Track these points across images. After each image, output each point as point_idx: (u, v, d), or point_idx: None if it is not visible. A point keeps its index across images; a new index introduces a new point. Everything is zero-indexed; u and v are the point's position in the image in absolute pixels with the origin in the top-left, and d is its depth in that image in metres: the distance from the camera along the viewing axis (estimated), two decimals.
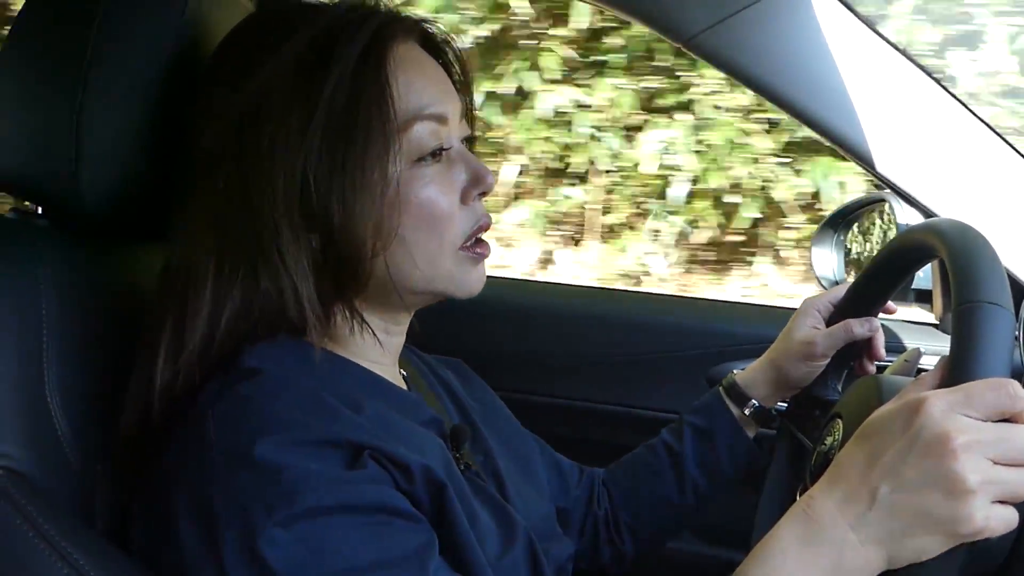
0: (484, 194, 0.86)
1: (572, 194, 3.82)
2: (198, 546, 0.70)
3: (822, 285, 1.41)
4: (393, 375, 0.90)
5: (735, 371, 1.12)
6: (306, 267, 0.77)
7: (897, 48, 1.15)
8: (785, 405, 1.12)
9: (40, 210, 0.88)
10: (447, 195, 0.82)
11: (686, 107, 3.61)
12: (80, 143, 0.81)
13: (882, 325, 1.07)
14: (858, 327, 1.03)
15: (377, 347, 0.87)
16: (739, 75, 1.13)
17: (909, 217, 1.21)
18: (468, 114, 0.89)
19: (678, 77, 3.60)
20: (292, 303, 0.78)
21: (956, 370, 0.70)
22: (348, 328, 0.84)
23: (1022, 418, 0.65)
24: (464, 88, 0.89)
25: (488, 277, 0.89)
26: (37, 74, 0.83)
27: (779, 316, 1.61)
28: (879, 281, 1.02)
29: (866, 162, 1.15)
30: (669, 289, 3.68)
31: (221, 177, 0.78)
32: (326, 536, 0.69)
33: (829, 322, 1.07)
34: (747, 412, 1.09)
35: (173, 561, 0.71)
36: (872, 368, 1.07)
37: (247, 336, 0.79)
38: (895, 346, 1.20)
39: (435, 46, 0.87)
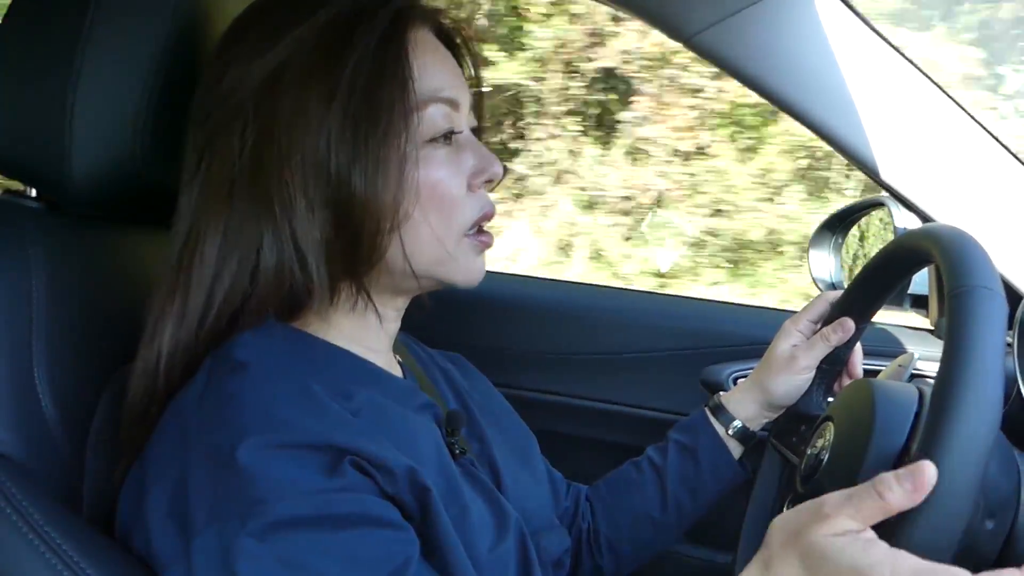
0: (490, 182, 0.86)
1: None
2: (170, 546, 0.69)
3: (819, 287, 1.41)
4: (388, 362, 0.90)
5: (721, 394, 1.12)
6: (319, 238, 0.78)
7: (898, 50, 1.14)
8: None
9: (33, 192, 0.88)
10: (456, 178, 0.83)
11: None
12: (73, 125, 0.81)
13: (880, 328, 1.06)
14: (832, 333, 1.03)
15: (373, 331, 0.87)
16: (739, 74, 1.13)
17: (907, 221, 1.21)
18: (477, 106, 0.90)
19: None
20: (298, 274, 0.78)
21: (951, 353, 0.70)
22: (351, 305, 0.84)
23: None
24: (474, 80, 0.90)
25: (487, 272, 0.89)
26: (31, 55, 0.83)
27: (774, 318, 1.61)
28: (873, 286, 1.02)
29: (865, 164, 1.15)
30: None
31: (236, 148, 0.78)
32: (300, 548, 0.68)
33: (832, 315, 1.06)
34: (730, 432, 1.08)
35: (145, 553, 0.71)
36: None
37: (242, 309, 0.79)
38: (890, 351, 1.20)
39: (448, 36, 0.89)
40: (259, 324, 0.81)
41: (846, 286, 1.17)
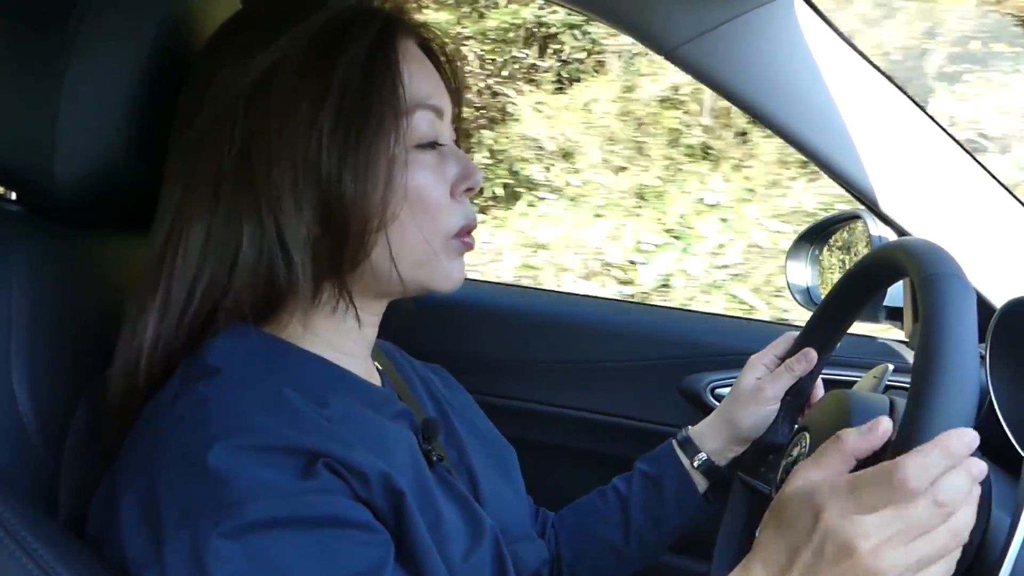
0: (470, 191, 0.88)
1: None
2: (143, 551, 0.69)
3: (795, 298, 1.42)
4: (366, 369, 0.91)
5: (689, 427, 1.12)
6: (305, 236, 0.79)
7: (876, 67, 1.16)
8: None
9: (15, 196, 0.88)
10: (440, 185, 0.85)
11: None
12: (57, 129, 0.81)
13: (856, 339, 1.07)
14: (796, 364, 1.06)
15: (351, 336, 0.87)
16: (720, 87, 1.14)
17: (883, 234, 1.23)
18: (457, 118, 0.92)
19: None
20: (283, 271, 0.79)
21: (926, 337, 0.72)
22: (332, 307, 0.84)
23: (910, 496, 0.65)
24: (455, 94, 0.91)
25: (469, 280, 0.89)
26: (16, 58, 0.83)
27: (754, 329, 1.63)
28: (833, 316, 1.04)
29: (842, 178, 1.16)
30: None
31: (224, 150, 0.79)
32: (274, 550, 0.68)
33: (795, 348, 1.08)
34: (696, 464, 1.09)
35: (118, 560, 0.71)
36: None
37: (220, 305, 0.80)
38: (865, 362, 1.21)
39: (431, 50, 0.90)
40: (235, 324, 0.81)
41: (822, 296, 1.19)
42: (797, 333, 1.09)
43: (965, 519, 0.66)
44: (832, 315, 1.04)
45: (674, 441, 1.12)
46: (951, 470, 0.65)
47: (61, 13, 0.81)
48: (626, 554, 1.10)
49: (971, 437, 0.66)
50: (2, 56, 0.83)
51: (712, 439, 1.09)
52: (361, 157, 0.78)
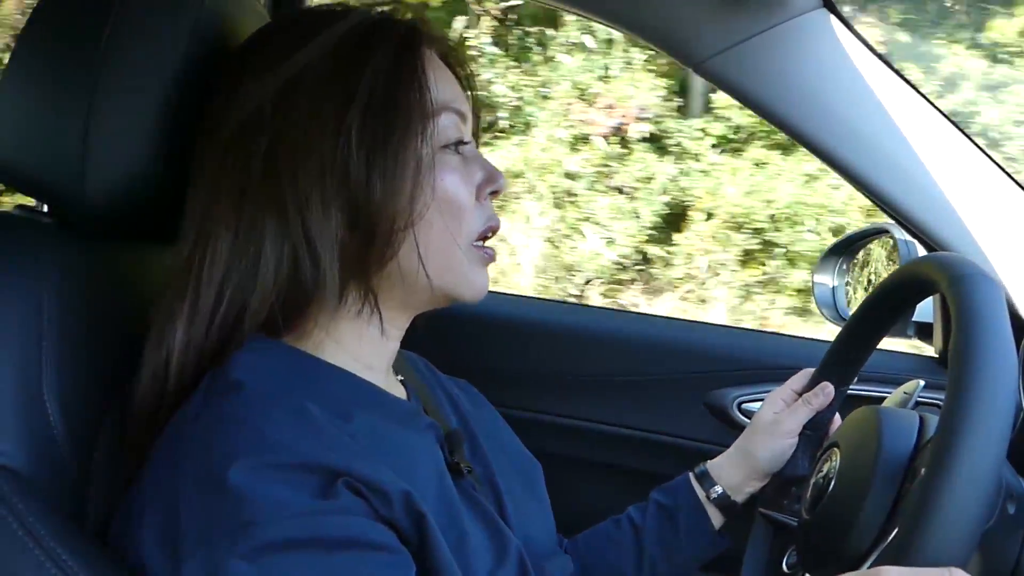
0: (495, 194, 0.89)
1: None
2: (162, 567, 0.70)
3: (824, 314, 1.41)
4: (388, 382, 0.90)
5: (708, 462, 1.12)
6: (333, 237, 0.80)
7: (906, 80, 1.15)
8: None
9: (46, 208, 0.89)
10: (466, 186, 0.86)
11: None
12: (88, 142, 0.82)
13: (886, 355, 1.07)
14: (814, 398, 1.06)
15: (375, 346, 0.87)
16: (748, 101, 1.13)
17: (912, 248, 1.22)
18: (475, 127, 0.93)
19: None
20: (310, 271, 0.79)
21: (959, 338, 0.71)
22: (357, 311, 0.84)
23: None
24: (473, 103, 0.93)
25: (490, 292, 0.90)
26: (49, 72, 0.84)
27: (782, 344, 1.62)
28: (850, 350, 1.05)
29: (872, 192, 1.15)
30: None
31: (251, 154, 0.80)
32: (291, 572, 0.68)
33: (818, 374, 1.09)
34: (711, 497, 1.08)
35: (139, 573, 0.71)
36: None
37: (247, 307, 0.80)
38: (894, 377, 1.20)
39: (449, 61, 0.91)
40: (259, 336, 0.81)
41: (850, 312, 1.18)
42: (814, 369, 1.09)
43: None
44: (850, 346, 1.04)
45: (691, 474, 1.11)
46: None
47: (92, 30, 0.82)
48: None
49: None
50: (35, 73, 0.84)
51: (730, 473, 1.09)
52: (390, 157, 0.80)
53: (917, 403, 1.04)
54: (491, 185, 0.88)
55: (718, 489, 1.08)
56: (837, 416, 1.08)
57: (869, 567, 0.79)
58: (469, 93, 0.92)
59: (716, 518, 1.09)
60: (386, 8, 0.87)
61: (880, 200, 1.16)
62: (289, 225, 0.79)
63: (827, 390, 1.06)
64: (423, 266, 0.83)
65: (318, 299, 0.82)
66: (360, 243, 0.81)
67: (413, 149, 0.81)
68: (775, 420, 1.07)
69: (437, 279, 0.85)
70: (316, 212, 0.79)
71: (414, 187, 0.81)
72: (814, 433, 1.07)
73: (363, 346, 0.86)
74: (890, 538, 0.81)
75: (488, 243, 0.89)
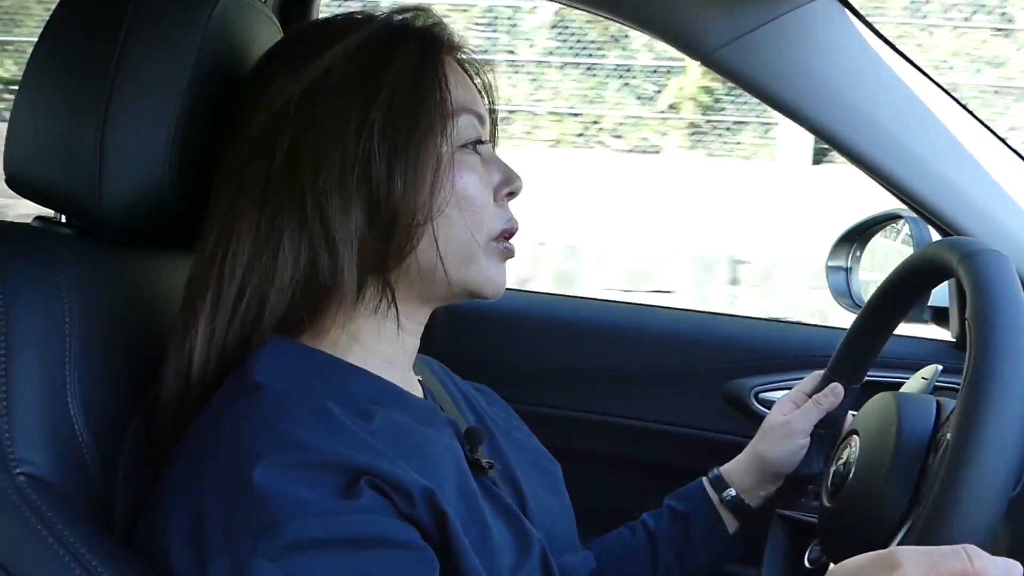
0: (512, 195, 0.90)
1: None
2: (188, 568, 0.70)
3: (838, 301, 1.41)
4: (407, 380, 0.91)
5: (721, 467, 1.11)
6: (352, 231, 0.81)
7: (916, 66, 1.15)
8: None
9: (64, 218, 0.90)
10: (485, 186, 0.87)
11: None
12: (104, 152, 0.83)
13: (905, 338, 1.06)
14: (824, 398, 1.07)
15: (394, 343, 0.88)
16: (758, 91, 1.13)
17: (926, 232, 1.22)
18: (492, 133, 0.95)
19: None
20: (327, 264, 0.81)
21: (975, 309, 0.72)
22: (375, 306, 0.85)
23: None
24: (491, 109, 0.94)
25: (508, 289, 0.90)
26: (63, 83, 0.85)
27: (797, 332, 1.61)
28: (859, 348, 1.06)
29: (885, 178, 1.15)
30: None
31: (275, 153, 0.82)
32: (314, 572, 0.68)
33: (836, 364, 1.09)
34: (724, 499, 1.08)
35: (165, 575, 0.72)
36: None
37: (265, 306, 0.81)
38: (912, 363, 1.20)
39: (467, 69, 0.93)
40: (279, 337, 0.82)
41: (865, 298, 1.18)
42: (823, 372, 1.10)
43: None
44: (859, 345, 1.05)
45: (705, 479, 1.11)
46: None
47: (105, 41, 0.83)
48: None
49: None
50: (51, 83, 0.85)
51: (743, 477, 1.09)
52: (411, 154, 0.81)
53: (935, 388, 1.04)
54: (508, 186, 0.89)
55: (731, 492, 1.08)
56: (848, 417, 1.09)
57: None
58: (486, 101, 0.93)
59: (731, 523, 1.09)
60: (408, 15, 0.88)
61: (893, 186, 1.16)
62: (308, 220, 0.80)
63: (836, 390, 1.07)
64: (441, 261, 0.84)
65: (337, 295, 0.83)
66: (379, 238, 0.82)
67: (433, 147, 0.83)
68: (786, 422, 1.08)
69: (455, 273, 0.86)
70: (335, 207, 0.80)
71: (434, 183, 0.82)
72: (827, 431, 1.07)
73: (381, 342, 0.87)
74: (914, 516, 0.81)
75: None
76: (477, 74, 0.94)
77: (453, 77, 0.87)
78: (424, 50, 0.86)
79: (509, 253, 0.90)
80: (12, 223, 0.88)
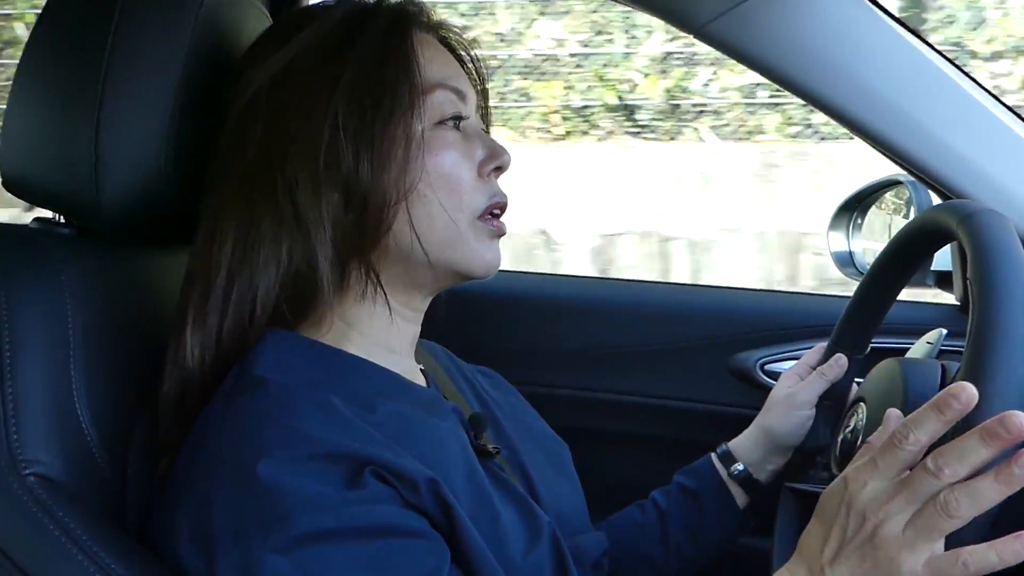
0: (499, 171, 0.88)
1: None
2: (198, 564, 0.71)
3: (841, 270, 1.41)
4: (410, 368, 0.91)
5: (728, 443, 1.12)
6: (325, 218, 0.80)
7: (913, 31, 1.14)
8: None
9: (63, 219, 0.90)
10: (465, 162, 0.86)
11: None
12: (100, 150, 0.82)
13: (909, 303, 1.06)
14: (828, 369, 1.07)
15: (392, 329, 0.87)
16: (752, 63, 1.12)
17: (926, 197, 1.21)
18: (483, 112, 0.93)
19: None
20: (301, 254, 0.80)
21: (977, 267, 0.73)
22: (361, 291, 0.84)
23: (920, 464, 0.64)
24: (480, 87, 0.93)
25: (506, 271, 0.90)
26: (55, 83, 0.84)
27: (801, 302, 1.61)
28: (860, 318, 1.06)
29: (885, 145, 1.14)
30: None
31: (249, 145, 0.82)
32: (325, 563, 0.69)
33: (839, 334, 1.09)
34: (732, 473, 1.08)
35: (176, 572, 0.73)
36: None
37: (256, 299, 0.81)
38: (917, 328, 1.20)
39: (451, 46, 0.91)
40: (279, 330, 0.82)
41: (867, 265, 1.17)
42: (826, 343, 1.10)
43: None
44: (860, 315, 1.05)
45: (713, 455, 1.11)
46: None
47: (95, 39, 0.83)
48: (665, 569, 1.09)
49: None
50: (44, 83, 0.85)
51: (751, 451, 1.09)
52: (377, 134, 0.80)
53: (940, 352, 1.04)
54: (494, 161, 0.87)
55: (739, 466, 1.08)
56: (852, 387, 1.09)
57: None
58: (476, 79, 0.92)
59: (740, 497, 1.09)
60: None
61: (893, 153, 1.15)
62: (281, 208, 0.80)
63: (840, 361, 1.07)
64: (418, 240, 0.83)
65: (318, 282, 0.82)
66: (354, 220, 0.82)
67: (403, 126, 0.81)
68: (790, 394, 1.08)
69: (438, 254, 0.85)
70: (305, 194, 0.80)
71: (405, 162, 0.81)
72: (832, 403, 1.07)
73: (376, 329, 0.87)
74: None
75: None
76: (462, 49, 0.92)
77: (428, 53, 0.85)
78: (390, 27, 0.84)
79: (498, 230, 0.88)
80: (12, 225, 0.88)
